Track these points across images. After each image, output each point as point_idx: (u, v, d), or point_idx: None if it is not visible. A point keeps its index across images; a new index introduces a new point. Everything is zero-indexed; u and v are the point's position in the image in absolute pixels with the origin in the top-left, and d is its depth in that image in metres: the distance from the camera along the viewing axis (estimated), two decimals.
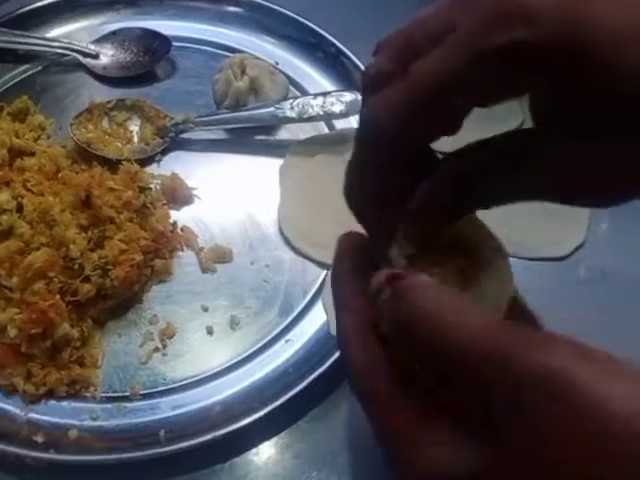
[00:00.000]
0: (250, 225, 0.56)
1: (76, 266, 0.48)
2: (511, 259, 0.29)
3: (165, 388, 0.48)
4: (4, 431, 0.45)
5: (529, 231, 0.54)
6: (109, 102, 0.62)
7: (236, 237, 0.56)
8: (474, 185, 0.28)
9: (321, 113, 0.59)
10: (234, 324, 0.51)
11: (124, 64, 0.66)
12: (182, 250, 0.55)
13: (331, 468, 0.45)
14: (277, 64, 0.65)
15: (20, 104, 0.61)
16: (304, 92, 0.64)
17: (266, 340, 0.50)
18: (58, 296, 0.47)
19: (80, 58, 0.66)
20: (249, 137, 0.62)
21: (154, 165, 0.60)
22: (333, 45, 0.65)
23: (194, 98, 0.64)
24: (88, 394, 0.48)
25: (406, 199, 0.28)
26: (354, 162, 0.29)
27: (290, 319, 0.51)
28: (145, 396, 0.48)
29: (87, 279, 0.49)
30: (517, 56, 0.24)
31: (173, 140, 0.61)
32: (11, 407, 0.47)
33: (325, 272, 0.53)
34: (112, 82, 0.66)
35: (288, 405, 0.46)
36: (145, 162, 0.59)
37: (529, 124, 0.29)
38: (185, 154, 0.61)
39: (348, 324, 0.29)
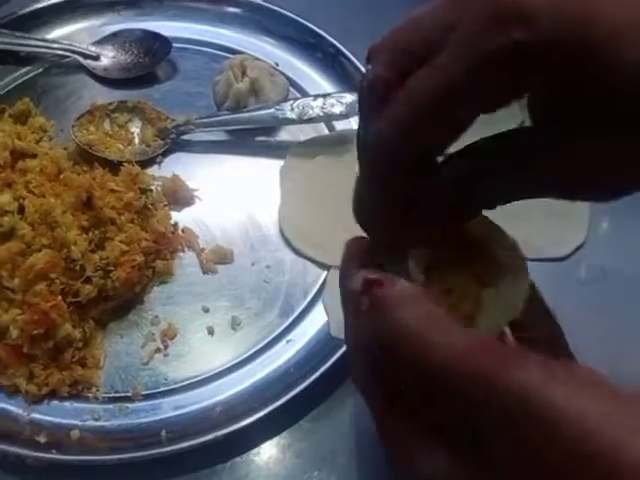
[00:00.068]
0: (251, 226, 0.56)
1: (77, 267, 0.48)
2: None
3: (167, 388, 0.48)
4: (7, 431, 0.45)
5: (530, 232, 0.53)
6: (110, 104, 0.62)
7: (237, 238, 0.56)
8: (475, 186, 0.28)
9: (321, 114, 0.59)
10: (235, 325, 0.51)
11: (125, 65, 0.66)
12: (183, 251, 0.55)
13: (332, 468, 0.45)
14: (277, 65, 0.65)
15: (22, 106, 0.61)
16: (304, 93, 0.64)
17: (267, 340, 0.50)
18: (60, 297, 0.48)
19: (81, 60, 0.66)
20: (250, 138, 0.62)
21: (155, 167, 0.60)
22: (333, 46, 0.65)
23: (195, 100, 0.64)
24: (90, 394, 0.48)
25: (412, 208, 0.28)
26: (360, 178, 0.29)
27: (291, 320, 0.51)
28: (147, 396, 0.48)
29: (88, 280, 0.49)
30: (517, 59, 0.24)
31: (174, 142, 0.61)
32: (14, 407, 0.47)
33: (326, 273, 0.53)
34: (113, 84, 0.66)
35: (289, 405, 0.46)
36: (146, 164, 0.59)
37: (528, 124, 0.29)
38: (186, 155, 0.61)
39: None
